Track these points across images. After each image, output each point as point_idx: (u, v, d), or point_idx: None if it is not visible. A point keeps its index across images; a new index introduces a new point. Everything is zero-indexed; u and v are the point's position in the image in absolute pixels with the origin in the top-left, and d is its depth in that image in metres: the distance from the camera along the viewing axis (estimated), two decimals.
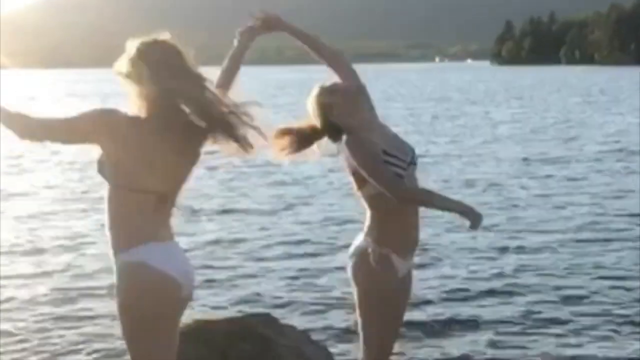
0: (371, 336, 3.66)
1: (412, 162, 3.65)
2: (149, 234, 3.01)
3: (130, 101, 3.05)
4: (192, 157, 3.13)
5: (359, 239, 3.67)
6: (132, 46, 3.05)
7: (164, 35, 3.10)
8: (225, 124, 3.04)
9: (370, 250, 3.59)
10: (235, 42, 3.59)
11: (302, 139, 3.73)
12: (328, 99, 3.63)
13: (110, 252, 3.08)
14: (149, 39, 3.08)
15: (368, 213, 3.65)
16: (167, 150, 3.01)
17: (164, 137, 3.00)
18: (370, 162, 3.50)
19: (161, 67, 2.99)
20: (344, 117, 3.61)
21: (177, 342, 3.14)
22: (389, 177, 3.49)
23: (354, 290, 3.69)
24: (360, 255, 3.62)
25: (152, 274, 2.97)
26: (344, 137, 3.59)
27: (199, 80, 3.05)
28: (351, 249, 3.70)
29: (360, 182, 3.60)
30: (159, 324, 3.02)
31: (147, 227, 3.01)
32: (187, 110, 3.03)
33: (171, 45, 3.07)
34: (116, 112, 3.01)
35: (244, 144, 3.07)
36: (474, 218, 3.46)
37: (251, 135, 3.09)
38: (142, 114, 3.03)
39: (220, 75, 3.41)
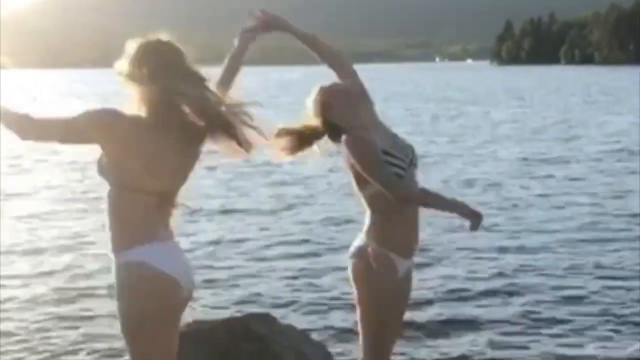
0: (369, 336, 3.65)
1: (413, 163, 3.64)
2: (149, 234, 3.01)
3: (131, 101, 3.04)
4: (192, 157, 3.12)
5: (358, 239, 3.66)
6: (132, 46, 3.04)
7: (164, 35, 3.08)
8: (225, 123, 3.02)
9: (370, 250, 3.57)
10: (236, 42, 3.57)
11: (302, 138, 3.71)
12: (328, 98, 3.62)
13: (110, 252, 3.07)
14: (149, 39, 3.07)
15: (368, 213, 3.64)
16: (167, 150, 3.01)
17: (164, 137, 2.99)
18: (369, 161, 3.49)
19: (161, 68, 2.98)
20: (344, 116, 3.60)
21: (177, 342, 3.14)
22: (388, 177, 3.48)
23: (354, 290, 3.68)
24: (360, 256, 3.60)
25: (152, 274, 2.97)
26: (344, 137, 3.58)
27: (199, 80, 3.03)
28: (351, 250, 3.68)
29: (360, 182, 3.59)
30: (159, 324, 3.02)
31: (147, 227, 3.01)
32: (187, 110, 3.01)
33: (171, 45, 3.06)
34: (115, 112, 2.99)
35: (244, 143, 3.05)
36: (474, 219, 3.46)
37: (251, 135, 3.07)
38: (143, 113, 3.02)
39: (221, 75, 3.40)
